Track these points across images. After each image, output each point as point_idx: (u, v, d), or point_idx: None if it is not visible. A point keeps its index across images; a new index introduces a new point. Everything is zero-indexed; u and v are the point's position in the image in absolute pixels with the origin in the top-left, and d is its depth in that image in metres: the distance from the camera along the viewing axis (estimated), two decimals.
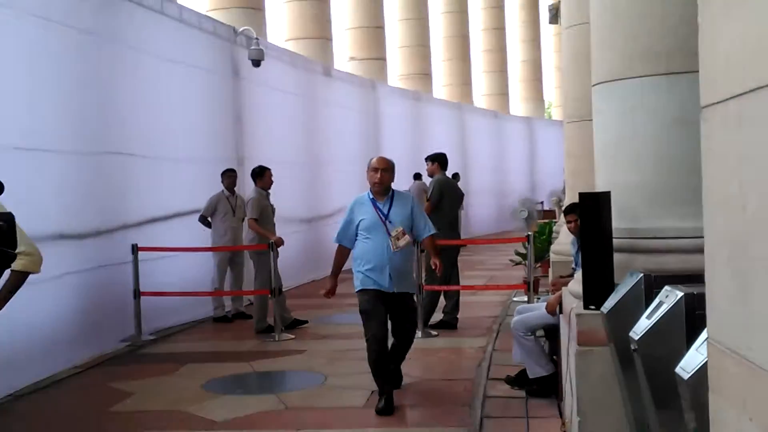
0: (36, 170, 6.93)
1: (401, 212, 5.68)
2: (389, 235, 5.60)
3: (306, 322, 9.08)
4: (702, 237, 1.87)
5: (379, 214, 5.63)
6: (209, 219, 9.52)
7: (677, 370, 2.21)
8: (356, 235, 5.68)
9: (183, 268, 9.36)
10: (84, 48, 7.81)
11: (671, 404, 2.62)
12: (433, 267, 5.80)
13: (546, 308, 5.55)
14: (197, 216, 9.50)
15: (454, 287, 8.70)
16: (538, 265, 10.90)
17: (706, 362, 1.92)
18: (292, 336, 8.45)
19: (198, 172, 10.02)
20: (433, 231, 5.83)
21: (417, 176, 16.72)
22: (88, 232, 7.84)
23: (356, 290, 5.67)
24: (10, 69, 6.71)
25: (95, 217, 7.98)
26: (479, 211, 22.88)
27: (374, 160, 5.70)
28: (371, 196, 5.69)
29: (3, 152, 6.44)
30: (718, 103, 1.69)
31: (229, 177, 9.60)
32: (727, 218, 1.68)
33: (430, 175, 9.19)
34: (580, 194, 4.20)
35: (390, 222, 5.60)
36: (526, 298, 8.54)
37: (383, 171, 5.66)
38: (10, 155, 6.52)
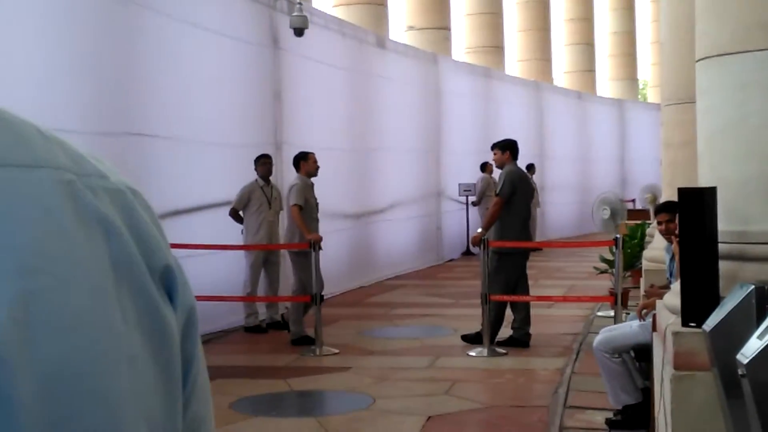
0: None
1: None
2: None
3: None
4: None
5: None
6: (241, 213, 9.65)
7: None
8: None
9: (210, 269, 9.44)
10: (100, 14, 7.98)
11: None
12: None
13: (637, 311, 5.54)
14: (227, 209, 9.62)
15: (521, 298, 8.66)
16: (628, 274, 10.79)
17: None
18: (336, 351, 8.53)
19: (229, 157, 10.13)
20: None
21: (485, 166, 16.65)
22: None
23: None
24: (19, 42, 6.88)
25: None
26: (558, 210, 22.74)
27: None
28: None
29: None
30: None
31: (264, 164, 9.70)
32: None
33: (499, 166, 9.17)
34: (680, 190, 4.17)
35: None
36: (612, 313, 8.47)
37: None
38: None
